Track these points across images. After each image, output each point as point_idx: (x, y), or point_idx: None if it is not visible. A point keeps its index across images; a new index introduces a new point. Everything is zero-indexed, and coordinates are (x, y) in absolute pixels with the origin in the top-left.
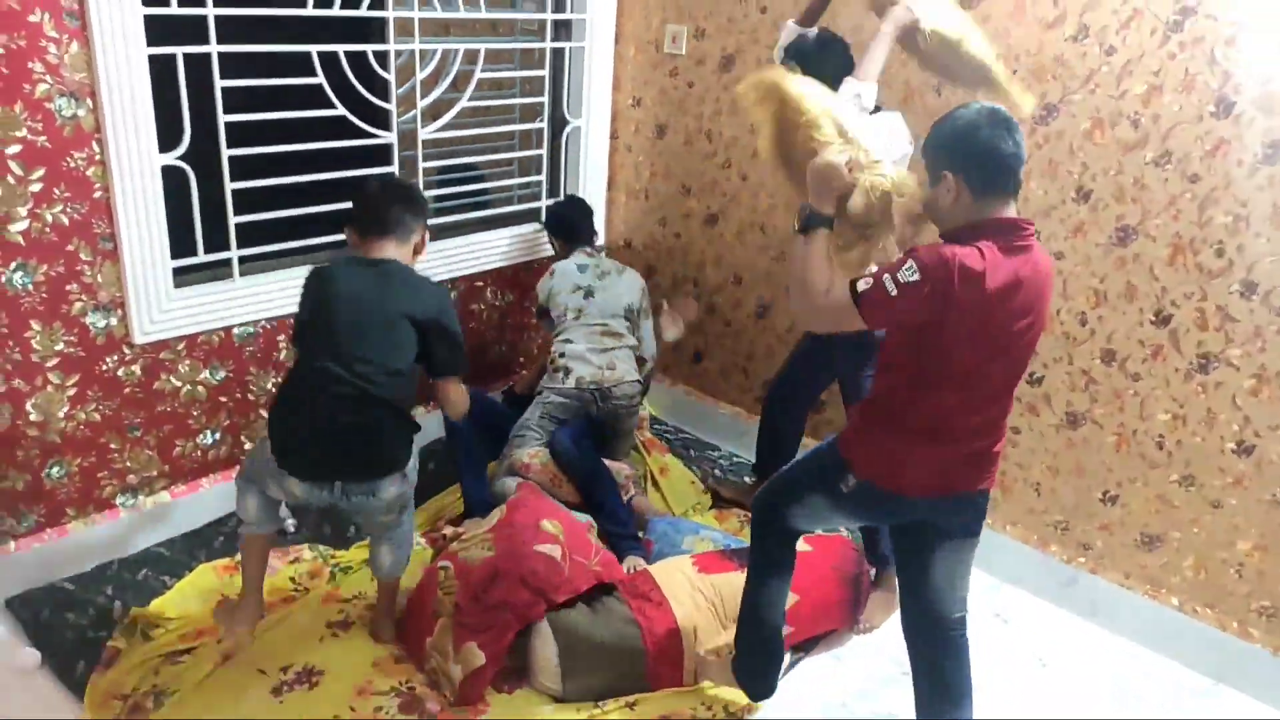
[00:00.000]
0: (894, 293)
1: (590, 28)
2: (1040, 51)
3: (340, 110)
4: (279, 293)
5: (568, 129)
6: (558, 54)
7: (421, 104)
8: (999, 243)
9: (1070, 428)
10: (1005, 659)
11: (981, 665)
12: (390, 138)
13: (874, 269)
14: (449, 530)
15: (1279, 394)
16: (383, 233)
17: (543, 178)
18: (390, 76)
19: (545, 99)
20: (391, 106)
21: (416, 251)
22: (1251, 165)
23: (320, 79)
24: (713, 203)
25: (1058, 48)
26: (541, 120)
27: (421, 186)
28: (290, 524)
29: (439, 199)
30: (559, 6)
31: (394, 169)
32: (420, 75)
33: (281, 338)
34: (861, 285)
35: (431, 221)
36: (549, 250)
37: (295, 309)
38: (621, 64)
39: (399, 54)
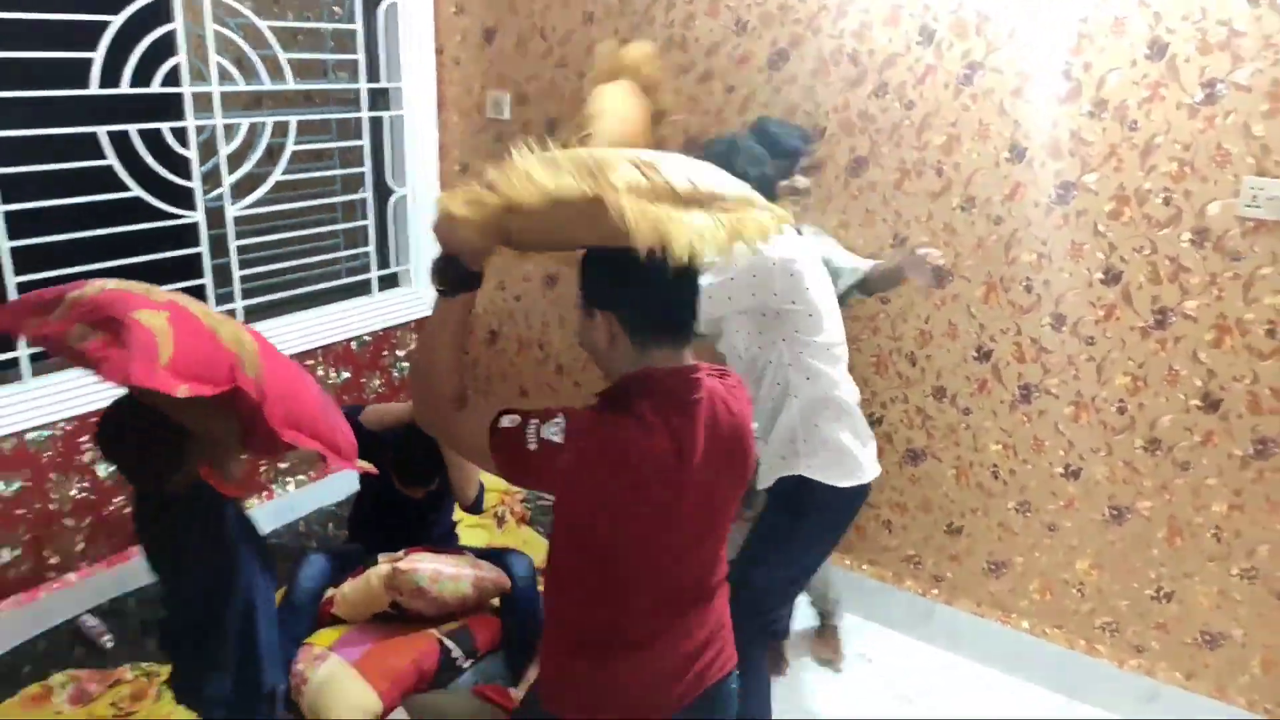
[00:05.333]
0: (532, 446)
1: (408, 96)
2: (847, 108)
3: (136, 192)
4: (79, 390)
5: (394, 198)
6: (377, 123)
7: (229, 180)
8: (666, 401)
9: (912, 464)
10: (872, 699)
11: (849, 708)
12: (196, 216)
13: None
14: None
15: (1096, 419)
16: None
17: (371, 249)
18: (191, 154)
19: (367, 169)
20: (195, 184)
21: None
22: (1047, 206)
23: (112, 160)
24: (551, 263)
25: (862, 104)
26: (365, 191)
27: (236, 265)
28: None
29: (256, 278)
30: (374, 75)
31: (203, 249)
32: (225, 150)
33: (84, 439)
34: (504, 421)
35: (251, 301)
36: (385, 323)
37: (98, 405)
38: (446, 131)
39: (200, 129)
